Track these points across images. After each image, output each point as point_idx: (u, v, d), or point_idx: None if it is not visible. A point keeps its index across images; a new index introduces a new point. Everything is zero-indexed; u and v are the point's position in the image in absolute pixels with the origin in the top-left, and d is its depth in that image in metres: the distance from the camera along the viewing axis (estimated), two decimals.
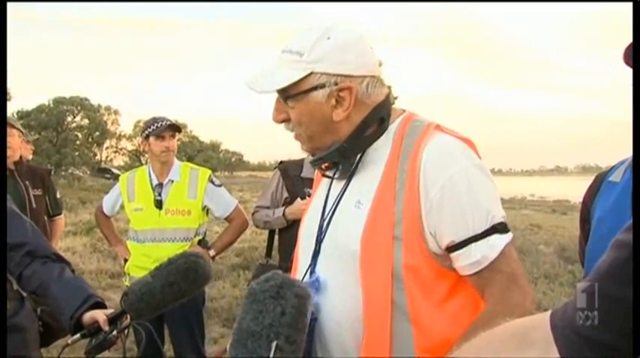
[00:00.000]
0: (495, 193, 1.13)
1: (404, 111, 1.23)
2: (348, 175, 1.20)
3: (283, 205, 2.93)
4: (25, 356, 1.74)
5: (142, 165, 4.08)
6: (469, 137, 1.17)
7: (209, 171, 3.12)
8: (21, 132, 3.47)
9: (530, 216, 18.06)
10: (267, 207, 2.98)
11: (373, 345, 1.07)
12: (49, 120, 34.79)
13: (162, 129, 2.95)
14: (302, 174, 2.91)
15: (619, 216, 1.31)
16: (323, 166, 1.24)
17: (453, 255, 1.08)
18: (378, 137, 1.17)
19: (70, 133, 36.37)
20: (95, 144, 39.80)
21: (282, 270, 1.02)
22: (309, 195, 2.54)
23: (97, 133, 38.39)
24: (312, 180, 1.48)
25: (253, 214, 3.04)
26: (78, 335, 1.43)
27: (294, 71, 1.11)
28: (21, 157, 3.45)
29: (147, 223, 2.94)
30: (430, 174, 1.08)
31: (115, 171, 37.95)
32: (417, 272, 1.08)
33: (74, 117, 37.22)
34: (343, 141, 1.16)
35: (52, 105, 35.82)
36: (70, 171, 33.74)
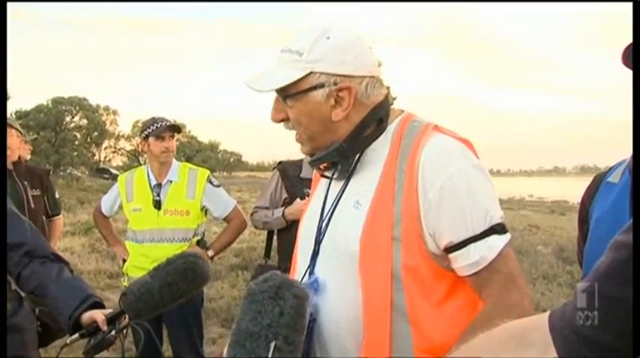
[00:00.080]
0: (494, 194, 1.13)
1: (402, 111, 1.22)
2: (347, 175, 1.20)
3: (282, 206, 2.92)
4: (24, 356, 1.74)
5: (140, 165, 4.08)
6: (468, 137, 1.17)
7: (208, 172, 3.12)
8: (19, 132, 3.46)
9: (528, 217, 18.06)
10: (266, 208, 2.97)
11: (373, 346, 1.07)
12: (48, 121, 34.70)
13: (162, 129, 2.95)
14: (301, 175, 2.90)
15: (617, 216, 1.31)
16: (322, 166, 1.24)
17: (452, 255, 1.08)
18: (377, 137, 1.17)
19: (68, 133, 36.27)
20: (94, 145, 39.70)
21: (281, 271, 1.02)
22: (308, 196, 2.54)
23: (96, 133, 38.30)
24: (311, 180, 1.48)
25: (252, 215, 3.03)
26: (76, 335, 1.43)
27: (294, 71, 1.11)
28: (19, 157, 3.44)
29: (145, 223, 2.94)
30: (429, 174, 1.08)
31: (114, 171, 37.90)
32: (416, 273, 1.08)
33: (73, 117, 37.13)
34: (342, 141, 1.16)
35: (50, 105, 35.73)
36: (68, 171, 33.64)
